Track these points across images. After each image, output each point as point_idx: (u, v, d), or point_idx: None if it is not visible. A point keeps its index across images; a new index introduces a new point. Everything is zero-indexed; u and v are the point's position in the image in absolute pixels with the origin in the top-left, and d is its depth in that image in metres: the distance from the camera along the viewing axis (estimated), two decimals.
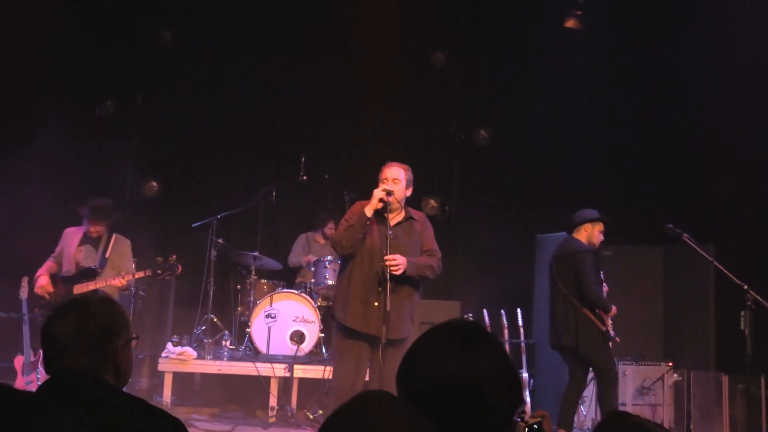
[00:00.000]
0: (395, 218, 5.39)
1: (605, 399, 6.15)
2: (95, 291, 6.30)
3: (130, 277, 6.54)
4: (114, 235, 6.76)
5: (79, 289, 6.38)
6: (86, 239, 6.65)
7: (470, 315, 7.75)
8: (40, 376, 6.68)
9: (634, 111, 8.84)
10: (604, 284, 6.30)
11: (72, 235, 6.69)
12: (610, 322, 6.17)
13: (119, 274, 6.64)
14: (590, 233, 6.28)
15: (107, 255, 6.64)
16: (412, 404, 1.58)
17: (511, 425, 1.60)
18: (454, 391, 1.54)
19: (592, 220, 6.28)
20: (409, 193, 5.49)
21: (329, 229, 8.35)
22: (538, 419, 1.94)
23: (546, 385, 7.53)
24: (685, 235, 6.21)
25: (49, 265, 6.65)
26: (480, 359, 1.58)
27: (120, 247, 6.74)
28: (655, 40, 8.75)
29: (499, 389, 1.57)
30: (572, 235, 6.34)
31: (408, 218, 5.45)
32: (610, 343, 6.11)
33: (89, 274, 6.55)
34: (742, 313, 5.72)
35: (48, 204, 7.92)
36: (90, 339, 2.24)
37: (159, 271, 6.52)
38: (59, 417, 1.49)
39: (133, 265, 6.90)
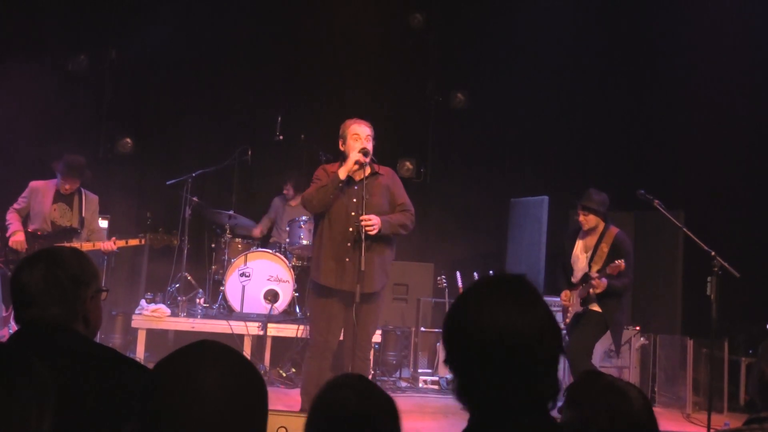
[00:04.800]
0: (361, 175, 5.39)
1: None
2: None
3: (123, 243, 6.57)
4: (83, 192, 6.73)
5: None
6: (59, 196, 6.60)
7: (443, 277, 7.83)
8: (12, 331, 6.67)
9: (608, 77, 8.88)
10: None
11: (43, 192, 6.59)
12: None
13: (93, 233, 6.65)
14: None
15: (83, 214, 6.62)
16: (461, 359, 1.62)
17: (556, 375, 1.64)
18: (506, 343, 1.57)
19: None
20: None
21: (286, 191, 8.41)
22: None
23: None
24: (656, 201, 6.28)
25: (18, 218, 6.55)
26: (530, 311, 1.61)
27: (91, 206, 6.75)
28: (630, 7, 8.77)
29: (547, 340, 1.61)
30: None
31: (373, 174, 5.44)
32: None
33: (70, 233, 6.52)
34: (709, 278, 5.81)
35: (19, 160, 7.84)
36: (59, 289, 2.22)
37: (155, 242, 6.61)
38: (40, 369, 1.51)
39: (100, 223, 6.97)
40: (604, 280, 5.81)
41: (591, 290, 5.87)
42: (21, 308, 2.24)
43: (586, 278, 5.97)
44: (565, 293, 6.14)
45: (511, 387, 1.57)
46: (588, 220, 6.05)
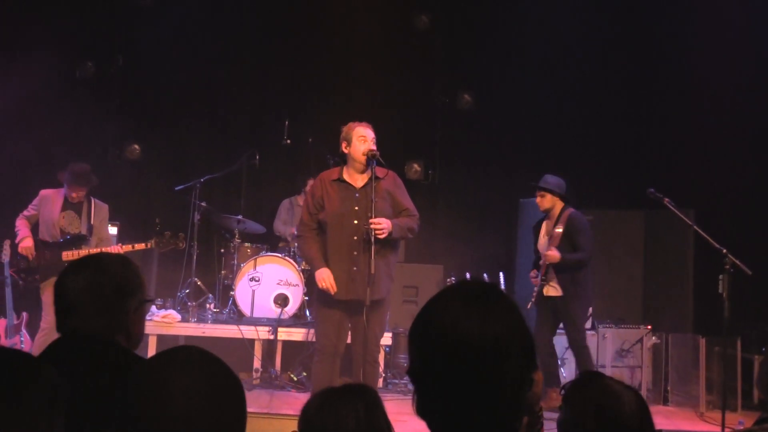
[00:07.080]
0: (362, 179, 5.36)
1: None
2: None
3: (129, 248, 6.60)
4: (93, 200, 6.76)
5: (68, 256, 6.36)
6: (68, 204, 6.64)
7: (453, 279, 7.81)
8: (24, 339, 6.70)
9: (616, 75, 8.85)
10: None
11: (52, 200, 6.63)
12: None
13: (102, 241, 6.68)
14: None
15: (92, 222, 6.64)
16: (425, 365, 1.54)
17: (524, 390, 1.53)
18: (470, 352, 1.47)
19: None
20: None
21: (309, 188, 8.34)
22: None
23: None
24: (666, 199, 6.25)
25: (26, 224, 6.60)
26: (498, 320, 1.51)
27: (100, 213, 6.79)
28: (636, 5, 8.73)
29: (515, 352, 1.50)
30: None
31: (375, 178, 5.38)
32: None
33: (79, 240, 6.55)
34: (721, 276, 5.78)
35: (26, 166, 7.87)
36: (102, 299, 2.16)
37: (161, 245, 6.64)
38: (51, 374, 1.50)
39: (110, 232, 7.05)
40: (556, 252, 6.39)
41: (542, 261, 6.47)
42: (62, 315, 2.19)
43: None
44: (533, 272, 6.73)
45: (472, 401, 1.48)
46: (544, 200, 6.68)
